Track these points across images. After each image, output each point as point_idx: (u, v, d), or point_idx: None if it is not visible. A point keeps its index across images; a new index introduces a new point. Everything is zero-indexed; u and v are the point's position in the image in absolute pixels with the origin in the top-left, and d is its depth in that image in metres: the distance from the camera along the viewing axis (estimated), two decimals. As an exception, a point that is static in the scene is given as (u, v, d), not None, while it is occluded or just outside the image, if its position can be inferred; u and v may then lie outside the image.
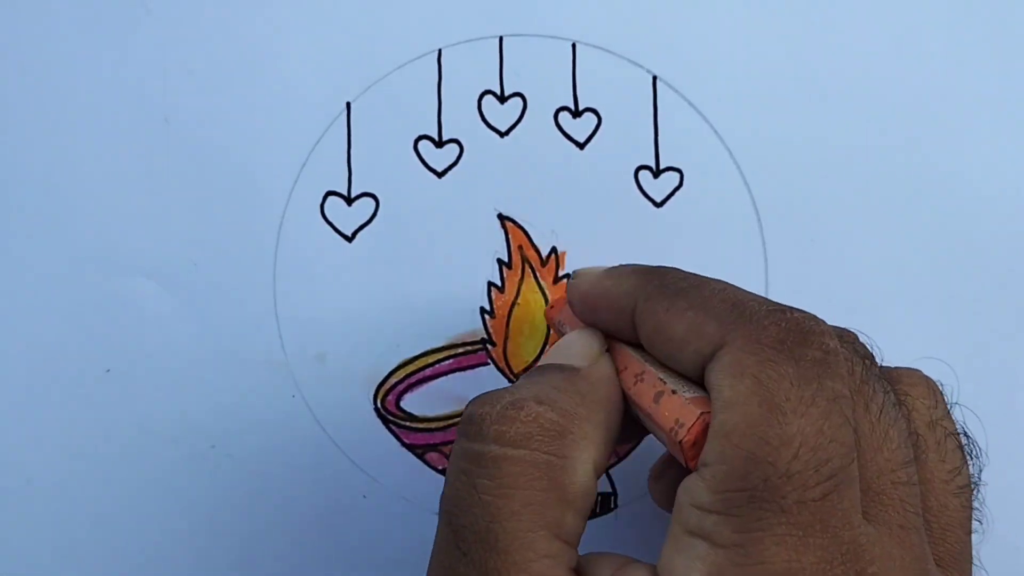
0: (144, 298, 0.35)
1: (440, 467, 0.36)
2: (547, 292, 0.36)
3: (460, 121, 0.35)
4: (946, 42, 0.36)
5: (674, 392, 0.25)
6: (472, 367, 0.36)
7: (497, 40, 0.35)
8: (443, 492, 0.26)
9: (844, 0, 0.35)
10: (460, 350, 0.36)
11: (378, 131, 0.35)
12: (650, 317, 0.26)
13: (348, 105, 0.35)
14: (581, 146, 0.35)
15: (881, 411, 0.24)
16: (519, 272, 0.36)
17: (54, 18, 0.34)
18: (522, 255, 0.36)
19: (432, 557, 0.26)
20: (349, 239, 0.35)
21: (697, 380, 0.25)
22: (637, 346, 0.28)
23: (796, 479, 0.22)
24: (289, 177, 0.35)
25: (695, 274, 0.27)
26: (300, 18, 0.35)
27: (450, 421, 0.36)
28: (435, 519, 0.36)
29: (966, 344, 0.36)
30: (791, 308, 0.25)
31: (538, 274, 0.36)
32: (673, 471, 0.30)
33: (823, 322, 0.24)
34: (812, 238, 0.36)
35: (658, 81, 0.35)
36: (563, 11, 0.35)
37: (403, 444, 0.36)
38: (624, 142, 0.35)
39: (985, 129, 0.36)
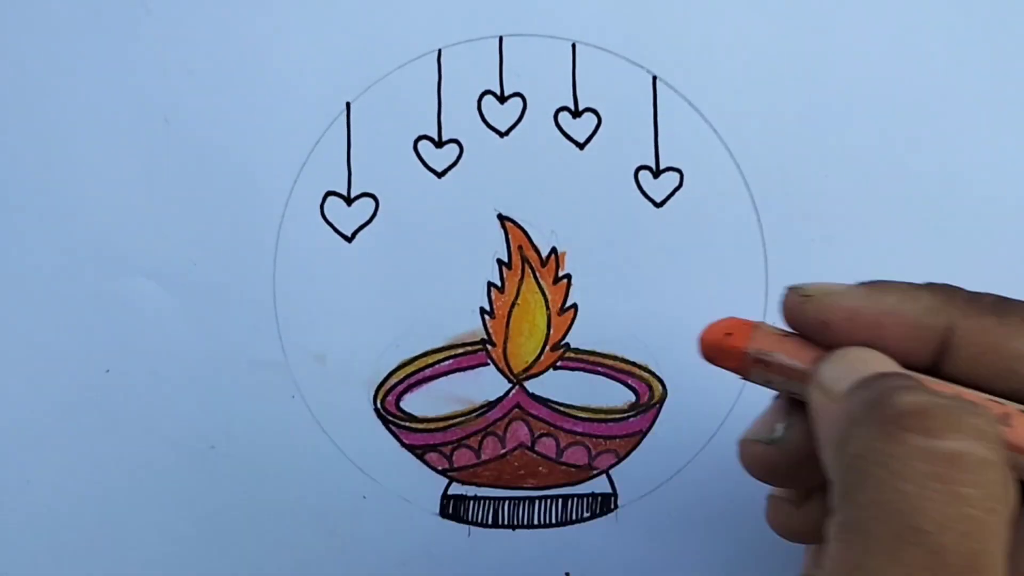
0: (144, 298, 0.35)
1: (440, 467, 0.36)
2: (547, 292, 0.36)
3: (460, 121, 0.35)
4: (946, 42, 0.36)
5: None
6: (472, 367, 0.36)
7: (497, 40, 0.35)
8: (876, 498, 0.20)
9: (844, 0, 0.35)
10: (460, 350, 0.36)
11: (378, 131, 0.35)
12: (979, 335, 0.23)
13: (348, 105, 0.35)
14: (581, 146, 0.35)
15: None
16: (519, 272, 0.36)
17: (54, 18, 0.34)
18: (522, 255, 0.36)
19: None
20: (349, 239, 0.35)
21: None
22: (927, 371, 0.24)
23: None
24: (289, 177, 0.35)
25: (984, 292, 0.24)
26: (300, 18, 0.35)
27: (450, 422, 0.36)
28: (435, 519, 0.36)
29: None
30: None
31: (538, 274, 0.36)
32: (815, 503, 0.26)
33: None
34: (812, 238, 0.36)
35: (658, 81, 0.35)
36: (563, 11, 0.35)
37: (403, 444, 0.36)
38: (624, 142, 0.35)
39: (985, 129, 0.36)
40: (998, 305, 0.24)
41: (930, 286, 0.25)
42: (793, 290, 0.26)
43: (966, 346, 0.23)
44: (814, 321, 0.25)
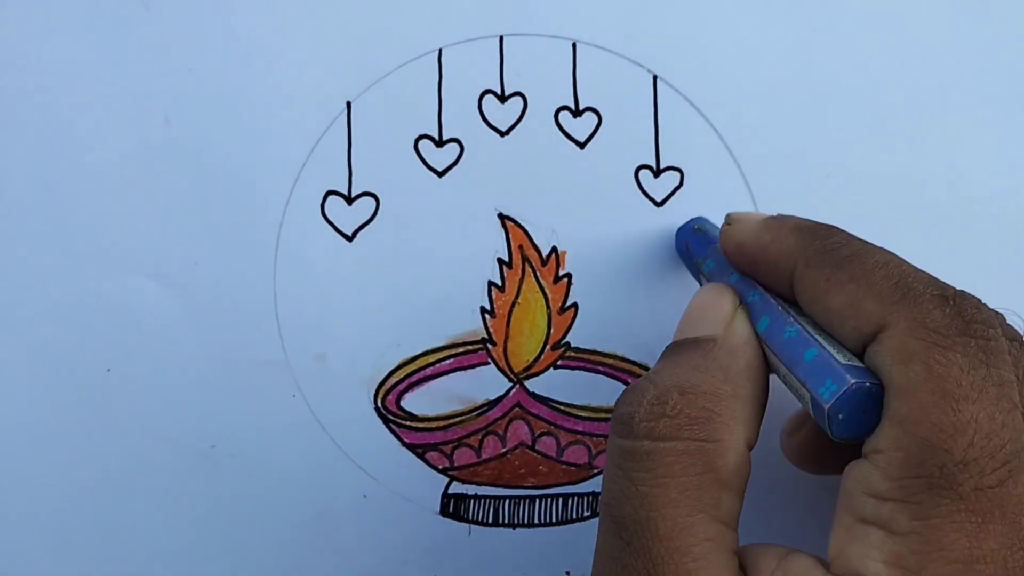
0: (144, 298, 0.35)
1: (440, 466, 0.36)
2: (547, 291, 0.36)
3: (460, 121, 0.35)
4: (946, 42, 0.36)
5: (827, 352, 0.25)
6: (472, 367, 0.36)
7: (497, 40, 0.35)
8: (602, 489, 0.27)
9: (844, 0, 0.35)
10: (460, 350, 0.36)
11: (378, 131, 0.35)
12: (810, 284, 0.26)
13: (348, 105, 0.35)
14: (581, 145, 0.35)
15: None
16: (519, 271, 0.36)
17: (54, 18, 0.34)
18: (522, 254, 0.36)
19: (596, 552, 0.27)
20: (349, 239, 0.35)
21: (853, 351, 0.25)
22: (790, 300, 0.28)
23: (972, 466, 0.22)
24: (289, 177, 0.35)
25: (858, 240, 0.27)
26: (300, 18, 0.35)
27: (450, 421, 0.36)
28: (435, 518, 0.36)
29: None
30: (954, 292, 0.25)
31: (538, 273, 0.36)
32: (808, 429, 0.31)
33: (985, 306, 0.25)
34: (812, 238, 0.36)
35: (658, 80, 0.35)
36: (563, 11, 0.35)
37: (403, 444, 0.36)
38: (624, 142, 0.35)
39: (985, 129, 0.36)
40: (836, 257, 0.26)
41: (798, 226, 0.28)
42: (727, 216, 0.31)
43: (801, 290, 0.27)
44: (727, 248, 0.30)
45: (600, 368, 0.36)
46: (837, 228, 0.28)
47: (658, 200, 0.36)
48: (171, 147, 0.35)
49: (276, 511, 0.36)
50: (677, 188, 0.35)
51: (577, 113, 0.35)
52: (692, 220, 0.35)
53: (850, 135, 0.36)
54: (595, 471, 0.36)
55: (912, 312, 0.24)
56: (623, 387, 0.36)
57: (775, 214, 0.30)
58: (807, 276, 0.27)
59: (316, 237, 0.35)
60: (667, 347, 0.29)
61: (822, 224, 0.28)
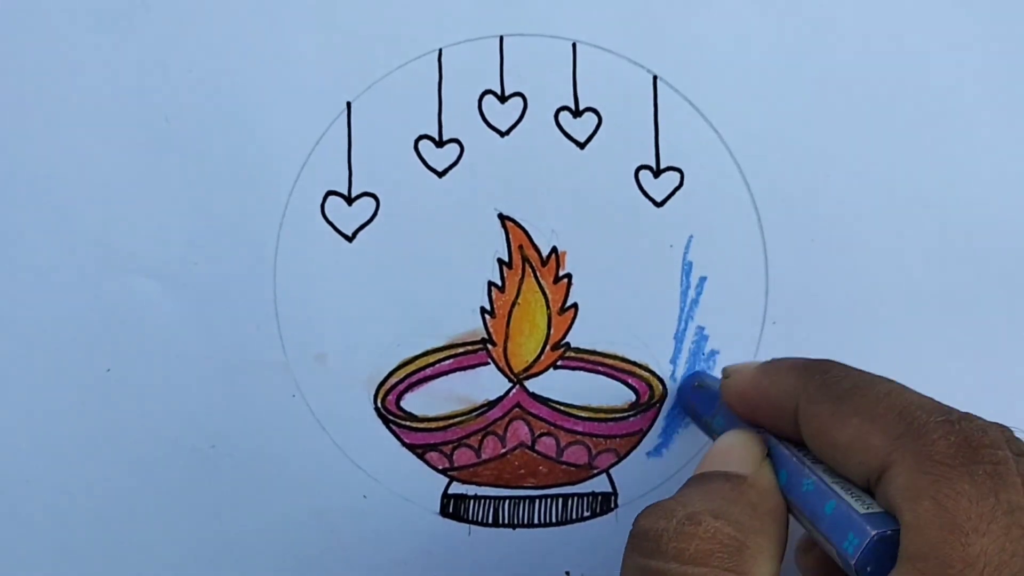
0: (144, 298, 0.35)
1: (440, 467, 0.36)
2: (547, 292, 0.36)
3: (460, 121, 0.35)
4: (946, 42, 0.36)
5: (846, 503, 0.25)
6: (472, 367, 0.36)
7: (497, 40, 0.35)
8: None
9: (844, 0, 0.35)
10: (460, 350, 0.36)
11: (379, 131, 0.35)
12: (814, 420, 0.27)
13: (348, 105, 0.35)
14: (581, 146, 0.35)
15: None
16: (519, 272, 0.36)
17: (54, 17, 0.34)
18: (522, 255, 0.36)
19: None
20: (349, 239, 0.35)
21: (862, 486, 0.25)
22: (799, 444, 0.28)
23: None
24: (289, 177, 0.35)
25: (857, 370, 0.27)
26: (300, 18, 0.35)
27: (450, 421, 0.36)
28: (435, 518, 0.36)
29: (966, 344, 0.36)
30: (959, 416, 0.25)
31: (538, 274, 0.36)
32: (820, 549, 0.30)
33: (991, 428, 0.25)
34: (812, 238, 0.36)
35: (658, 81, 0.35)
36: (563, 11, 0.35)
37: (403, 444, 0.36)
38: (624, 142, 0.35)
39: (985, 129, 0.36)
40: (837, 391, 0.26)
41: (794, 365, 0.29)
42: (723, 370, 0.32)
43: (805, 427, 0.27)
44: (729, 401, 0.31)
45: (600, 368, 0.36)
46: (834, 361, 0.28)
47: (658, 200, 0.35)
48: (171, 147, 0.35)
49: (276, 511, 0.36)
50: (677, 188, 0.35)
51: (577, 113, 0.35)
52: (690, 377, 0.35)
53: (850, 135, 0.36)
54: (595, 471, 0.36)
55: (917, 446, 0.24)
56: (623, 387, 0.36)
57: (770, 359, 0.30)
58: (810, 412, 0.27)
59: (316, 237, 0.35)
60: (694, 476, 0.29)
61: (818, 360, 0.28)
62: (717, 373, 0.36)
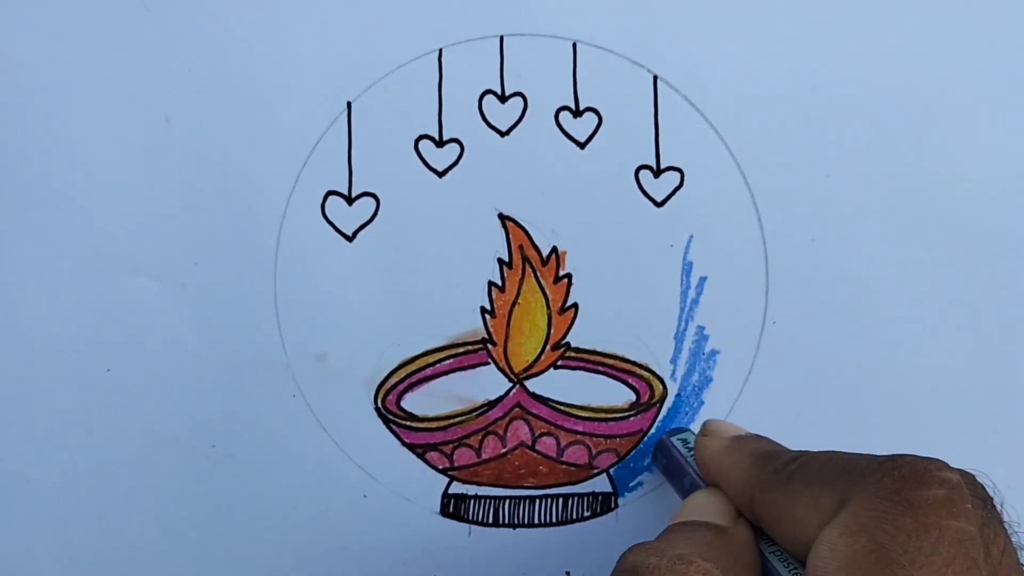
0: (144, 298, 0.35)
1: (440, 466, 0.36)
2: (547, 292, 0.36)
3: (461, 121, 0.35)
4: (946, 42, 0.36)
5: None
6: (472, 367, 0.36)
7: (498, 40, 0.35)
8: None
9: (845, 0, 0.35)
10: (460, 350, 0.36)
11: (379, 131, 0.35)
12: (772, 507, 0.27)
13: (349, 105, 0.35)
14: (582, 146, 0.35)
15: (1003, 555, 0.24)
16: (520, 271, 0.36)
17: (54, 18, 0.34)
18: (523, 254, 0.36)
19: None
20: (350, 239, 0.35)
21: None
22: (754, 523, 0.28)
23: None
24: (289, 177, 0.35)
25: (806, 452, 0.28)
26: (300, 18, 0.35)
27: (450, 421, 0.36)
28: (435, 518, 0.36)
29: (966, 344, 0.36)
30: (903, 454, 0.25)
31: (539, 273, 0.36)
32: None
33: (945, 465, 0.24)
34: (812, 238, 0.36)
35: (659, 81, 0.35)
36: (563, 11, 0.35)
37: (403, 444, 0.36)
38: (625, 142, 0.35)
39: (985, 128, 0.36)
40: (787, 474, 0.27)
41: (752, 452, 0.29)
42: (703, 426, 0.32)
43: (764, 515, 0.27)
44: (699, 461, 0.31)
45: (600, 368, 0.36)
46: (786, 450, 0.29)
47: (658, 200, 0.36)
48: (171, 147, 0.35)
49: (276, 511, 0.36)
50: (677, 188, 0.35)
51: (577, 113, 0.35)
52: (663, 437, 0.35)
53: (850, 135, 0.36)
54: (595, 471, 0.37)
55: (862, 485, 0.24)
56: (623, 387, 0.36)
57: (741, 434, 0.31)
58: (766, 501, 0.27)
59: (316, 237, 0.35)
60: (675, 524, 0.29)
61: (774, 450, 0.29)
62: (717, 373, 0.36)
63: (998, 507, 0.25)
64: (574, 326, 0.36)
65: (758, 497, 0.28)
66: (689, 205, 0.35)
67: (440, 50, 0.35)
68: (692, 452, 0.33)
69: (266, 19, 0.34)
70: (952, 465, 0.25)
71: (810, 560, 0.24)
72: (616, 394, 0.36)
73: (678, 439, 0.35)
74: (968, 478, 0.25)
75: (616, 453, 0.36)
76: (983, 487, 0.25)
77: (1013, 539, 0.25)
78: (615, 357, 0.36)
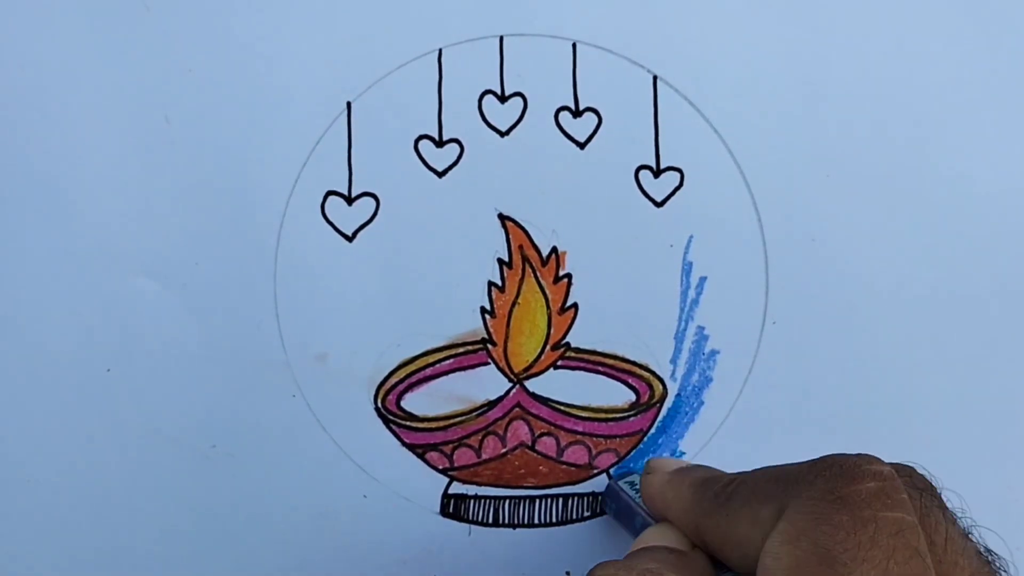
0: (144, 298, 0.35)
1: (440, 466, 0.36)
2: (547, 292, 0.36)
3: (460, 121, 0.35)
4: (946, 42, 0.36)
5: None
6: (472, 367, 0.36)
7: (497, 40, 0.35)
8: None
9: (844, 0, 0.35)
10: (460, 350, 0.36)
11: (379, 131, 0.35)
12: (716, 531, 0.27)
13: (348, 105, 0.35)
14: (582, 146, 0.35)
15: (947, 541, 0.24)
16: (520, 272, 0.36)
17: (54, 18, 0.34)
18: (522, 255, 0.36)
19: None
20: (349, 239, 0.35)
21: None
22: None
23: None
24: (289, 177, 0.35)
25: (741, 473, 0.28)
26: (300, 18, 0.35)
27: (450, 421, 0.36)
28: (435, 518, 0.36)
29: (966, 344, 0.36)
30: (833, 454, 0.25)
31: (539, 274, 0.36)
32: None
33: (869, 455, 0.25)
34: (812, 238, 0.36)
35: (658, 81, 0.35)
36: (563, 11, 0.35)
37: (403, 444, 0.36)
38: (624, 142, 0.35)
39: (986, 128, 0.36)
40: (725, 496, 0.27)
41: (693, 482, 0.29)
42: (646, 463, 0.32)
43: (710, 541, 0.27)
44: (645, 498, 0.31)
45: (600, 368, 0.36)
46: (725, 474, 0.29)
47: (658, 200, 0.36)
48: (171, 147, 0.35)
49: (276, 511, 0.36)
50: (677, 188, 0.35)
51: (577, 113, 0.35)
52: (609, 482, 0.36)
53: (850, 135, 0.36)
54: (595, 471, 0.37)
55: (797, 490, 0.24)
56: (623, 387, 0.36)
57: (682, 466, 0.31)
58: (710, 526, 0.27)
59: (316, 237, 0.35)
60: (636, 550, 0.29)
61: (712, 476, 0.29)
62: (717, 373, 0.36)
63: (939, 496, 0.25)
64: (574, 326, 0.36)
65: (702, 523, 0.28)
66: (689, 205, 0.35)
67: (440, 50, 0.35)
68: (640, 493, 0.33)
69: (266, 19, 0.34)
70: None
71: (758, 573, 0.24)
72: (616, 394, 0.36)
73: (625, 482, 0.35)
74: (905, 469, 0.25)
75: (616, 453, 0.36)
76: (923, 477, 0.25)
77: (958, 526, 0.25)
78: (615, 357, 0.36)
